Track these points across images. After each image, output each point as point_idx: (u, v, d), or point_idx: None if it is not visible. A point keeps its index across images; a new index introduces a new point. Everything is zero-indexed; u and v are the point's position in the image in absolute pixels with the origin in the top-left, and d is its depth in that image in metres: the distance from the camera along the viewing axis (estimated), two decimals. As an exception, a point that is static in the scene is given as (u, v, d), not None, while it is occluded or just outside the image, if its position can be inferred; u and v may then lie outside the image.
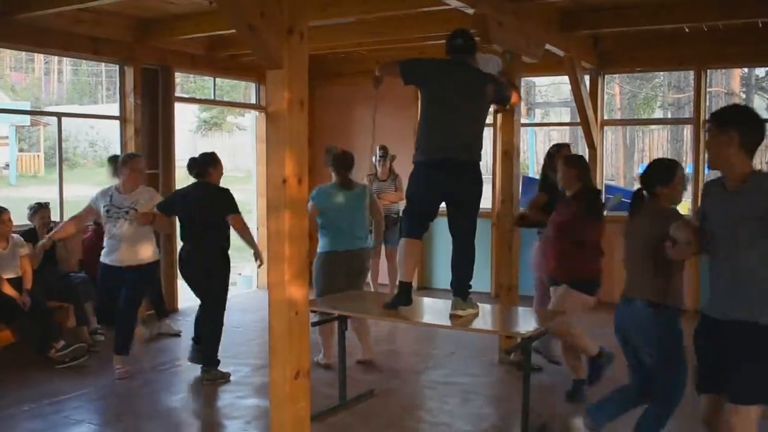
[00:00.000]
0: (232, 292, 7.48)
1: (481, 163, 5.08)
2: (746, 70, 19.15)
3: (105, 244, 6.65)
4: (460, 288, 5.04)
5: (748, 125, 3.58)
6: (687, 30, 8.56)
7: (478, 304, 5.15)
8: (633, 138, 21.93)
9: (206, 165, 6.60)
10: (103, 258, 6.63)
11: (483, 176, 5.10)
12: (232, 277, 7.13)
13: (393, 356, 7.15)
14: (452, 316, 4.99)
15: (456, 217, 5.12)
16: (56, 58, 25.60)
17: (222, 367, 6.55)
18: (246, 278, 11.32)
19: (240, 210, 6.53)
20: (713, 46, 8.79)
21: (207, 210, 6.43)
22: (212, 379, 6.43)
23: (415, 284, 8.51)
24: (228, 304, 6.73)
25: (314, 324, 5.24)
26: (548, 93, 24.38)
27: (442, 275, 9.22)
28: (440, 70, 5.05)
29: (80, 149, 25.57)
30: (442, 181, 4.96)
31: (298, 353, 3.84)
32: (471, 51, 5.14)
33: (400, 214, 8.67)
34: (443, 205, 5.13)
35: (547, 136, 21.62)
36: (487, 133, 10.26)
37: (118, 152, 8.21)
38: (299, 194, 3.79)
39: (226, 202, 6.46)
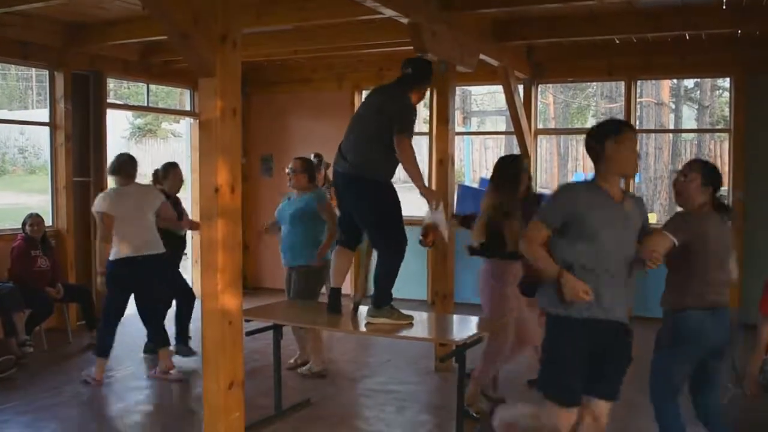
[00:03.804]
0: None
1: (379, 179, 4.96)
2: (675, 81, 19.62)
3: None
4: (374, 296, 5.08)
5: None
6: (617, 42, 8.76)
7: (410, 313, 5.13)
8: (567, 147, 22.28)
9: None
10: None
11: (378, 192, 4.95)
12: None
13: (329, 364, 7.12)
14: (366, 324, 5.05)
15: None
16: (-17, 61, 24.92)
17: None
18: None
19: None
20: (643, 58, 9.04)
21: None
22: None
23: (350, 291, 8.49)
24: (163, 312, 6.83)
25: (248, 333, 5.20)
26: (484, 102, 24.60)
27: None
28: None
29: (9, 156, 24.91)
30: (336, 188, 5.24)
31: (232, 363, 3.82)
32: (399, 83, 5.12)
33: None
34: None
35: (482, 144, 21.85)
36: (423, 142, 10.37)
37: (48, 159, 8.03)
38: (232, 203, 3.77)
39: None
